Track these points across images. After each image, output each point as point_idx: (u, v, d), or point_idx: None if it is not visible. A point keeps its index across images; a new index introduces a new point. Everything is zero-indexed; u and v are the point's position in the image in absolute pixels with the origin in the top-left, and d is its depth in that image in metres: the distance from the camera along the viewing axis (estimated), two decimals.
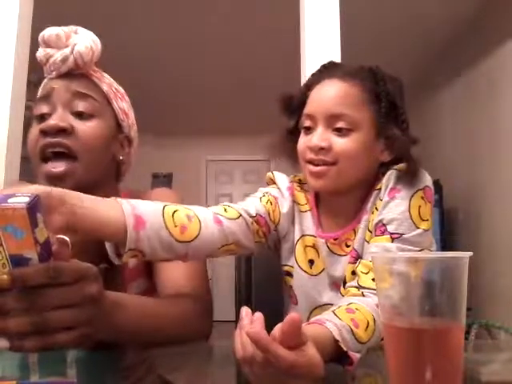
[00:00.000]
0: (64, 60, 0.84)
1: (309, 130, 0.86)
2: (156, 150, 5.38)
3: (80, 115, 0.84)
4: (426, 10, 2.94)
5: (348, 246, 0.89)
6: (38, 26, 1.95)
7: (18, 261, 0.47)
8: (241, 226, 0.84)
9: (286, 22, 2.60)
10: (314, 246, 0.91)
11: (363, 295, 0.76)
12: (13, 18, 1.91)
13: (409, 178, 0.84)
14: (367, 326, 0.68)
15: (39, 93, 0.88)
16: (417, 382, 0.44)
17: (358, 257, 0.87)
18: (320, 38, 1.97)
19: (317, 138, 0.83)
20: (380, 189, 0.86)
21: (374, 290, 0.76)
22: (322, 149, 0.83)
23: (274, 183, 0.96)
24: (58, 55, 0.84)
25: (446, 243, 3.13)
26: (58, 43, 0.83)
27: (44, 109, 0.85)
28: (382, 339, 0.74)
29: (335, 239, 0.89)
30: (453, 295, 0.45)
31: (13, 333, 0.48)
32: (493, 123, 2.90)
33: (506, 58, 2.78)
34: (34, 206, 0.46)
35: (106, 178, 0.92)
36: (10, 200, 0.46)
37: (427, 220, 0.83)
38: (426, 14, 2.99)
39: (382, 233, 0.82)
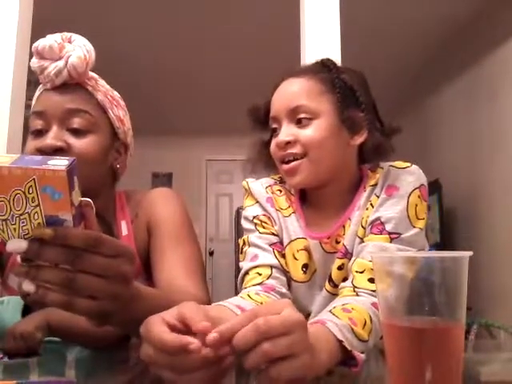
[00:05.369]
0: (58, 73, 0.83)
1: (276, 131, 0.88)
2: (156, 150, 5.38)
3: (75, 132, 0.85)
4: (427, 10, 2.94)
5: (338, 243, 0.88)
6: (38, 26, 1.96)
7: (53, 221, 0.49)
8: (279, 270, 0.87)
9: (286, 21, 2.60)
10: (305, 249, 0.90)
11: (357, 295, 0.76)
12: (13, 18, 1.91)
13: (376, 151, 0.86)
14: (365, 324, 0.68)
15: (34, 104, 0.88)
16: (417, 381, 0.44)
17: (346, 252, 0.86)
18: (320, 37, 1.97)
19: (282, 134, 0.86)
20: (374, 185, 0.87)
21: (369, 290, 0.76)
22: (288, 143, 0.85)
23: (251, 194, 0.95)
24: (51, 68, 0.83)
25: (445, 243, 3.12)
26: (52, 55, 0.83)
27: (39, 124, 0.85)
28: (381, 338, 0.75)
29: (328, 238, 0.88)
30: (453, 295, 0.45)
31: (41, 280, 0.50)
32: (493, 123, 2.90)
33: (506, 58, 2.78)
34: (72, 169, 0.47)
35: (104, 185, 0.93)
36: (49, 162, 0.47)
37: (423, 219, 0.83)
38: (426, 13, 2.99)
39: (380, 232, 0.82)
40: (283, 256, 0.90)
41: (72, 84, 0.86)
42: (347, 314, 0.68)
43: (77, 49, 0.84)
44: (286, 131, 0.86)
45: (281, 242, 0.91)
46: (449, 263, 0.45)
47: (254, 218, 0.92)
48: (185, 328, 0.50)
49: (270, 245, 0.89)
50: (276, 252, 0.89)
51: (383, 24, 3.12)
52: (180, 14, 3.07)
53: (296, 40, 2.09)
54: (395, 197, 0.83)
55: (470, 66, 3.20)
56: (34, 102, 0.89)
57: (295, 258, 0.90)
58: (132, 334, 0.68)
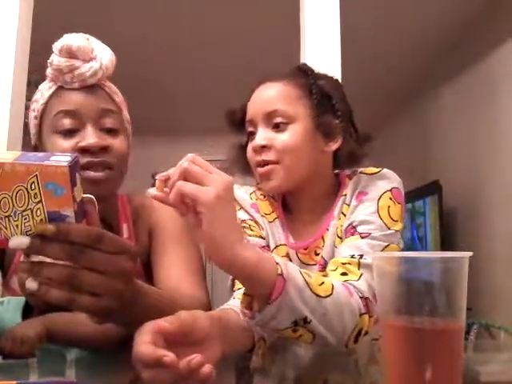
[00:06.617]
0: (93, 74, 0.84)
1: (252, 135, 0.88)
2: (156, 150, 5.38)
3: (109, 131, 0.86)
4: (427, 10, 2.95)
5: (317, 255, 0.87)
6: (38, 26, 1.96)
7: (55, 217, 0.49)
8: None
9: (286, 22, 2.61)
10: (287, 256, 0.89)
11: None
12: (13, 18, 1.91)
13: (348, 158, 0.87)
14: (322, 284, 0.66)
15: (57, 103, 0.85)
16: (416, 381, 0.44)
17: (325, 265, 0.85)
18: (320, 39, 1.97)
19: (257, 137, 0.86)
20: (346, 193, 0.87)
21: (342, 281, 0.74)
22: (263, 147, 0.85)
23: (235, 200, 0.93)
24: (86, 68, 0.83)
25: (445, 243, 3.12)
26: (84, 55, 0.83)
27: (70, 124, 0.84)
28: (376, 339, 0.74)
29: (305, 249, 0.88)
30: (453, 295, 0.45)
31: (43, 277, 0.50)
32: (493, 123, 2.90)
33: (506, 58, 2.78)
34: (74, 165, 0.48)
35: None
36: (51, 158, 0.47)
37: (397, 221, 0.82)
38: (426, 14, 2.99)
39: (352, 234, 0.81)
40: None
41: (94, 86, 0.86)
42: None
43: (104, 50, 0.85)
44: (262, 135, 0.85)
45: (268, 246, 0.90)
46: (449, 263, 0.45)
47: (242, 222, 0.91)
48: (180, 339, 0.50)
49: (259, 248, 0.88)
50: None
51: (383, 24, 3.12)
52: (180, 13, 3.07)
53: (296, 41, 2.09)
54: (364, 201, 0.83)
55: (470, 66, 3.20)
56: (46, 100, 0.86)
57: None
58: (134, 333, 0.68)
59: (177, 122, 5.26)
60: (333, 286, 0.67)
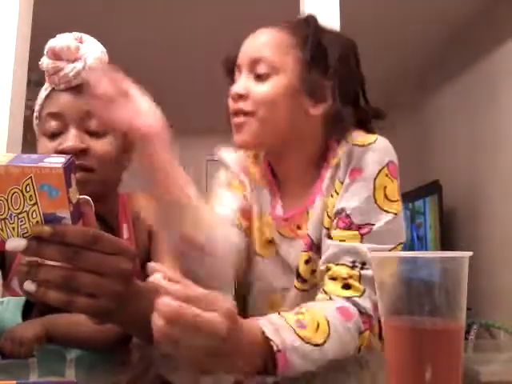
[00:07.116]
0: (76, 75, 0.83)
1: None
2: None
3: (93, 134, 0.84)
4: (426, 10, 2.94)
5: (299, 228, 0.81)
6: (38, 25, 1.95)
7: (51, 219, 0.49)
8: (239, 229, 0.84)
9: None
10: (270, 226, 0.84)
11: (330, 299, 0.71)
12: (13, 18, 1.91)
13: (336, 123, 0.78)
14: (318, 327, 0.62)
15: (46, 104, 0.86)
16: (417, 381, 0.44)
17: (312, 244, 0.79)
18: None
19: (237, 85, 0.80)
20: (337, 166, 0.78)
21: (342, 296, 0.71)
22: (241, 96, 0.79)
23: (225, 164, 0.90)
24: (69, 69, 0.82)
25: (445, 243, 3.12)
26: (69, 56, 0.82)
27: (55, 126, 0.83)
28: (380, 338, 0.73)
29: (285, 220, 0.82)
30: (453, 295, 0.45)
31: (41, 279, 0.50)
32: (493, 123, 2.90)
33: (506, 58, 2.78)
34: (69, 166, 0.47)
35: (116, 185, 0.93)
36: (46, 160, 0.47)
37: (396, 201, 0.75)
38: (425, 13, 2.98)
39: (348, 226, 0.74)
40: (249, 221, 0.85)
41: (83, 84, 0.83)
42: (297, 316, 0.62)
43: (93, 50, 0.84)
44: (242, 83, 0.80)
45: (249, 210, 0.86)
46: (449, 263, 0.45)
47: (229, 181, 0.87)
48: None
49: (239, 209, 0.84)
50: (241, 216, 0.84)
51: (383, 24, 3.12)
52: (180, 14, 3.07)
53: None
54: (359, 181, 0.74)
55: (469, 66, 3.20)
56: (42, 102, 0.87)
57: (261, 231, 0.85)
58: (133, 333, 0.68)
59: (177, 122, 5.25)
60: (328, 323, 0.63)
